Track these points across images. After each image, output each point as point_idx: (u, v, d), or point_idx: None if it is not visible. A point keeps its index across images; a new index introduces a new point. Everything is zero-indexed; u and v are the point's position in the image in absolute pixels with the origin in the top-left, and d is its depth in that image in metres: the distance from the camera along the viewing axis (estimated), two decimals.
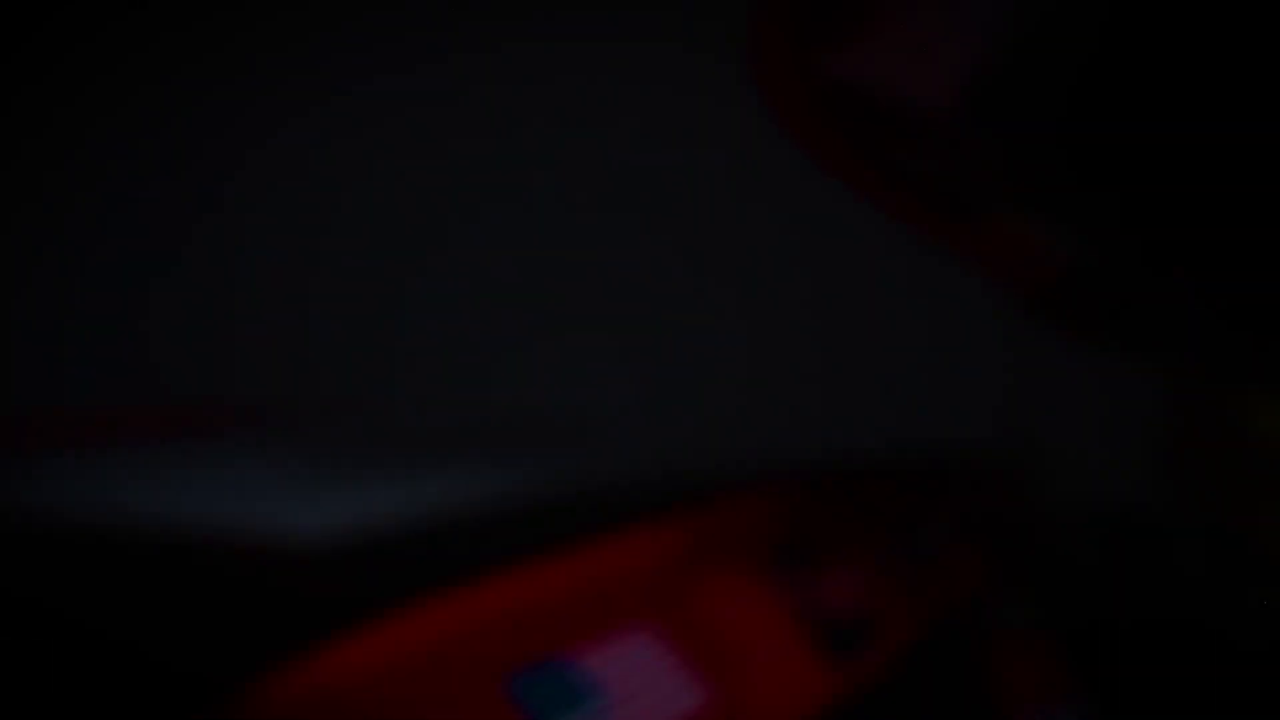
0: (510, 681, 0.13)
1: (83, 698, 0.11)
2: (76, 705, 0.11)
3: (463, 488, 0.22)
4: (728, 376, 0.50)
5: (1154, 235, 0.17)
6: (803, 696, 0.18)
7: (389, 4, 0.39)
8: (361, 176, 0.38)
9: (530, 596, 0.16)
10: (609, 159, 0.40)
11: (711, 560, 0.21)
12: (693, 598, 0.19)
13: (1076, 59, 0.17)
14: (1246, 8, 0.16)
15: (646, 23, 0.38)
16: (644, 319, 0.36)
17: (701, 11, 0.36)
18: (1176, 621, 0.35)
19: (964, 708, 0.24)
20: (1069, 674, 0.28)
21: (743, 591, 0.20)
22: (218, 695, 0.13)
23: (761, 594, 0.20)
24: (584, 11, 0.39)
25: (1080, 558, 0.40)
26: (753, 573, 0.21)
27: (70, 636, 0.13)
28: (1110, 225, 0.18)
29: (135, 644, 0.12)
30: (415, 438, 0.26)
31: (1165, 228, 0.17)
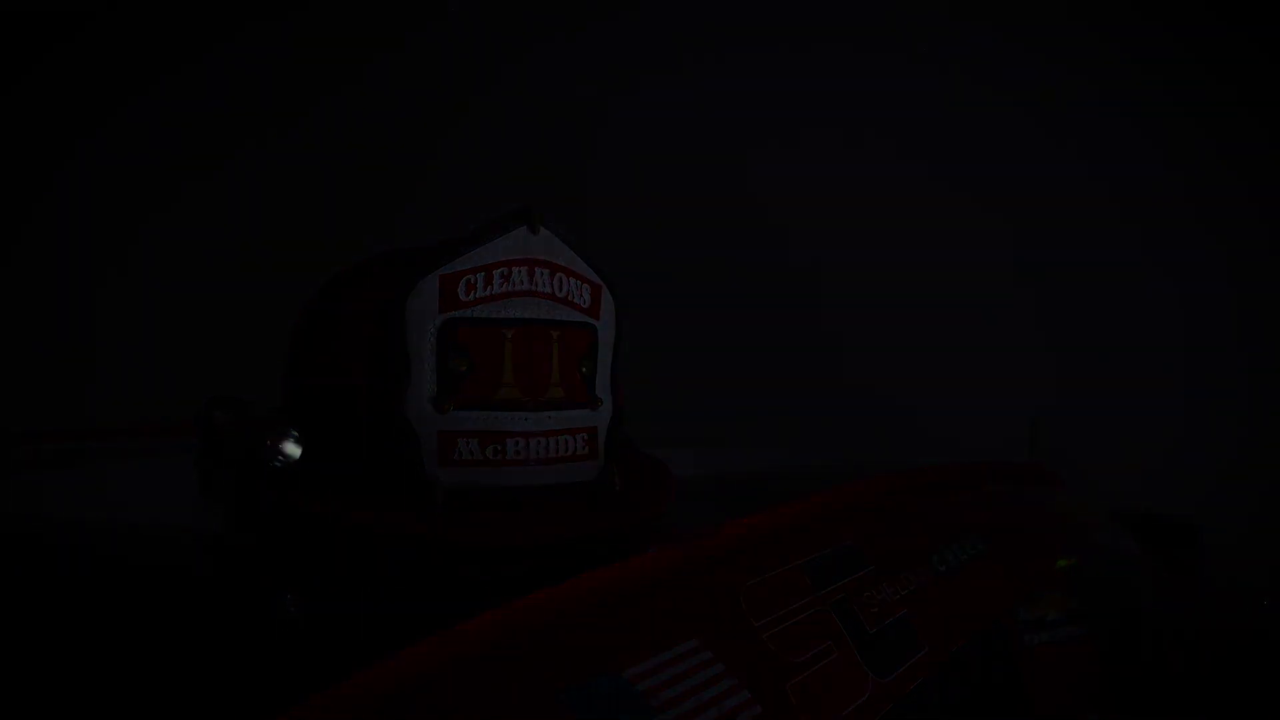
0: (563, 692, 0.14)
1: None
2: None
3: None
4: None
5: None
6: (850, 708, 0.19)
7: None
8: None
9: (582, 609, 0.16)
10: None
11: (762, 573, 0.21)
12: (741, 610, 0.19)
13: None
14: None
15: None
16: None
17: None
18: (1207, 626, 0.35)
19: (1003, 717, 0.24)
20: (1103, 681, 0.28)
21: (790, 604, 0.21)
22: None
23: (809, 607, 0.21)
24: None
25: (1115, 558, 0.39)
26: (801, 585, 0.21)
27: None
28: None
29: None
30: None
31: None
